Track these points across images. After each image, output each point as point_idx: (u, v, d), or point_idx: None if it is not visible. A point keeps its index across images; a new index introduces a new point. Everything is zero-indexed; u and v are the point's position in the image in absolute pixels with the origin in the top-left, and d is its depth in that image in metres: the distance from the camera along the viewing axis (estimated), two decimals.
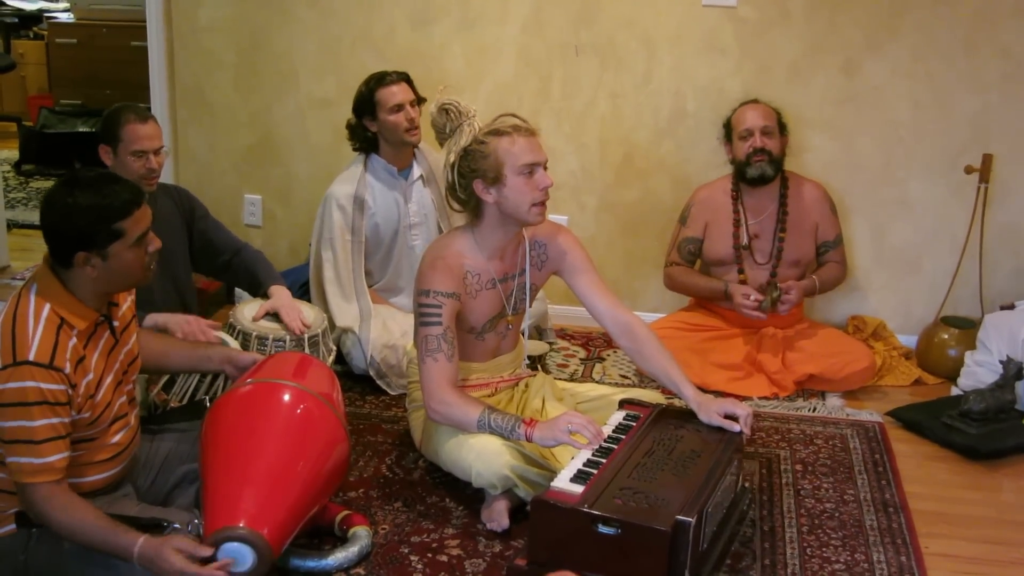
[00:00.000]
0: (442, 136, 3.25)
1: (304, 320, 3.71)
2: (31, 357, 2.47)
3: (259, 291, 3.87)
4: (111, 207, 2.54)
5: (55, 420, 2.50)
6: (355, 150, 4.30)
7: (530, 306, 3.48)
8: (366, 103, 4.16)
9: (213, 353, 3.10)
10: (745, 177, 4.32)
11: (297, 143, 5.05)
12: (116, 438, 2.73)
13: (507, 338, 3.46)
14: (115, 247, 2.56)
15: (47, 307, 2.54)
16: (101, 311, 2.67)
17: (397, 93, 4.13)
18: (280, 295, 3.79)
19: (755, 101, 4.38)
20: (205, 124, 5.13)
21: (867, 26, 4.48)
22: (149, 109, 5.12)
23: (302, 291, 4.55)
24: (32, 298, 2.55)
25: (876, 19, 4.46)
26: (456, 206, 3.30)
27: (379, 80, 4.15)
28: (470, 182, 3.17)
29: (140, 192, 2.64)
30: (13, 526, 2.64)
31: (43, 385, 2.47)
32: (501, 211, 3.20)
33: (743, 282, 4.35)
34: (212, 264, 3.97)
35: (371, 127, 4.20)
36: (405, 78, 4.19)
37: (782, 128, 4.35)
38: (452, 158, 3.20)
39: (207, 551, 2.48)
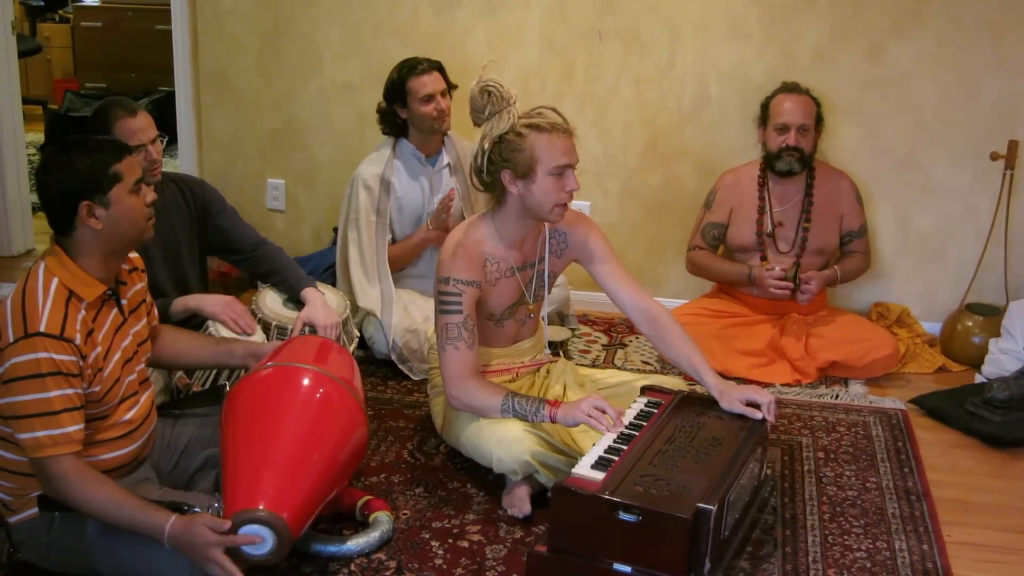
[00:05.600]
0: (479, 117, 3.18)
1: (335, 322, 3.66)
2: (42, 328, 2.50)
3: (291, 292, 3.77)
4: (105, 153, 2.63)
5: (69, 391, 2.52)
6: (385, 134, 4.30)
7: (549, 293, 3.48)
8: (397, 91, 4.15)
9: (236, 348, 3.13)
10: (773, 168, 4.30)
11: (320, 127, 5.06)
12: (126, 416, 2.74)
13: (527, 324, 3.45)
14: (115, 192, 2.62)
15: (55, 281, 2.58)
16: (109, 284, 2.70)
17: (428, 83, 4.11)
18: (315, 305, 3.67)
19: (799, 91, 4.32)
20: (229, 108, 5.14)
21: (892, 10, 4.44)
22: (172, 92, 5.17)
23: (326, 275, 4.57)
24: (41, 273, 2.59)
25: (901, 3, 4.42)
26: (479, 187, 3.29)
27: (411, 69, 4.13)
28: (499, 170, 3.15)
29: (127, 144, 2.76)
30: (35, 510, 2.66)
31: (55, 356, 2.50)
32: (523, 204, 3.19)
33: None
34: (228, 259, 3.92)
35: (401, 113, 4.19)
36: (437, 67, 4.17)
37: (818, 121, 4.32)
38: (486, 144, 3.15)
39: (227, 524, 2.49)
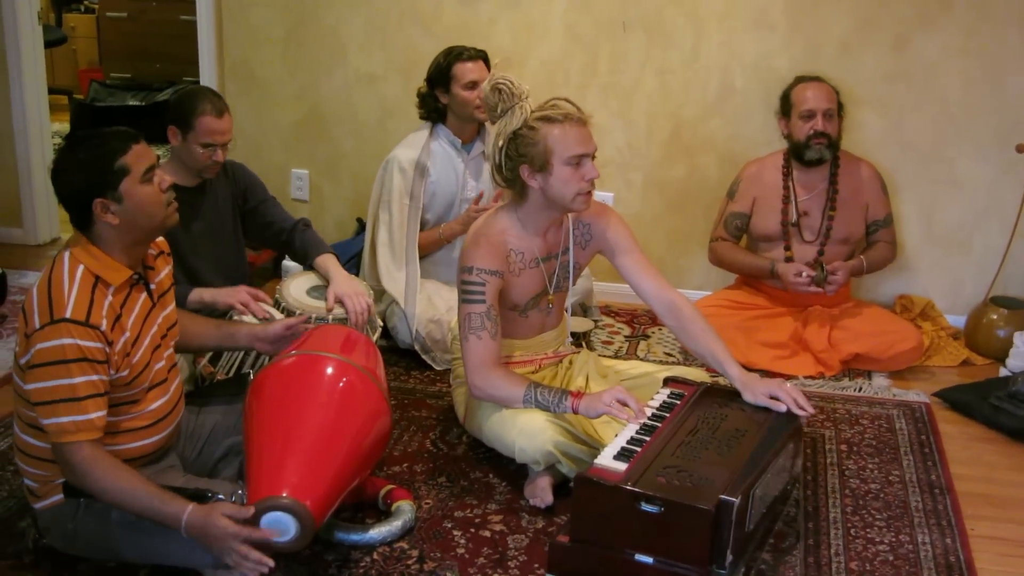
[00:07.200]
0: (493, 115, 3.20)
1: (368, 303, 3.66)
2: (68, 315, 2.51)
3: (306, 263, 3.86)
4: (109, 148, 2.61)
5: (95, 377, 2.53)
6: (422, 118, 4.33)
7: (573, 284, 3.48)
8: (441, 75, 4.18)
9: (238, 331, 3.13)
10: (802, 158, 4.28)
11: (344, 118, 5.07)
12: (155, 405, 2.75)
13: (550, 315, 3.45)
14: (125, 185, 2.60)
15: (81, 267, 2.58)
16: (135, 269, 2.70)
17: (473, 70, 4.15)
18: (337, 278, 3.70)
19: (817, 79, 4.31)
20: (253, 99, 5.16)
21: (918, 1, 4.42)
22: (197, 82, 5.18)
23: (349, 265, 4.57)
24: (66, 260, 2.60)
25: None
26: (500, 184, 3.29)
27: (457, 55, 4.17)
28: (517, 165, 3.15)
29: (134, 133, 2.70)
30: (61, 496, 2.68)
31: (81, 342, 2.50)
32: (545, 196, 3.19)
33: (789, 259, 4.32)
34: (265, 240, 3.98)
35: (442, 98, 4.22)
36: (483, 56, 4.21)
37: (839, 109, 4.30)
38: (500, 141, 3.16)
39: (250, 511, 2.50)
